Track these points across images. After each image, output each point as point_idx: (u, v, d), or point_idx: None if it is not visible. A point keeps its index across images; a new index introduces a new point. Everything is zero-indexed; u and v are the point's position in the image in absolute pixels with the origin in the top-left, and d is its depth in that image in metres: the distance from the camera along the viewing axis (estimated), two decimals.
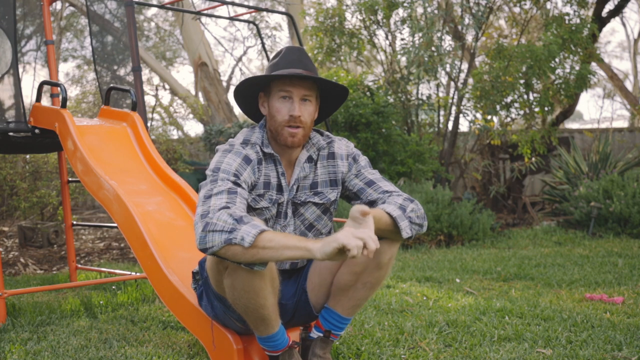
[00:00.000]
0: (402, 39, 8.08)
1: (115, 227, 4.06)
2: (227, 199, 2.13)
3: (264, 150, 2.36)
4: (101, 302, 3.79)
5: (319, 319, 2.46)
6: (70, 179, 4.39)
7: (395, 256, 2.35)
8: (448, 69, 8.07)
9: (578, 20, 7.62)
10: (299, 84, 2.30)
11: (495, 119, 7.83)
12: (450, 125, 8.29)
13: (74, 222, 4.46)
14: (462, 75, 8.25)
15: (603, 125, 13.88)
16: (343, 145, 2.48)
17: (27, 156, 7.10)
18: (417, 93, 8.08)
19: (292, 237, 2.04)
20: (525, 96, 7.66)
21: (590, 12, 8.69)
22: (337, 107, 2.49)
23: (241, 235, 2.00)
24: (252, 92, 2.43)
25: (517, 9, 8.74)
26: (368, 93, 7.52)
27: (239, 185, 2.22)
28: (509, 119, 8.14)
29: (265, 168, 2.37)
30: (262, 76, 2.33)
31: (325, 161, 2.45)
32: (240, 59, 19.15)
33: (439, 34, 7.76)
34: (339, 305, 2.40)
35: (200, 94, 13.20)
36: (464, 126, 11.07)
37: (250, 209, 2.35)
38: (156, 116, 11.48)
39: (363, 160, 2.47)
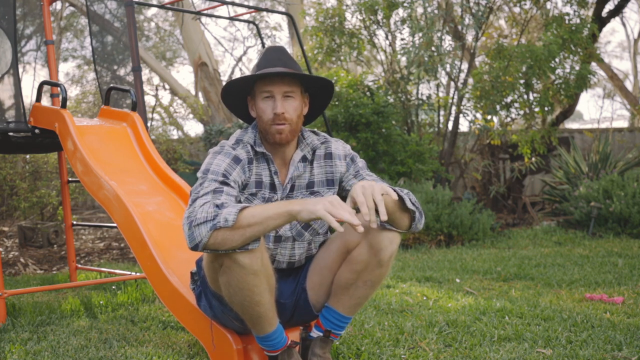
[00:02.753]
0: (402, 39, 8.08)
1: (115, 227, 4.07)
2: (212, 198, 2.15)
3: (255, 149, 2.38)
4: (101, 302, 3.79)
5: (319, 318, 2.46)
6: (70, 179, 4.39)
7: (396, 254, 2.35)
8: (448, 69, 8.07)
9: (578, 20, 7.62)
10: (279, 81, 2.31)
11: (495, 119, 7.82)
12: (450, 125, 8.29)
13: (74, 222, 4.46)
14: (462, 75, 8.25)
15: (603, 125, 13.88)
16: (340, 146, 2.49)
17: (27, 156, 7.11)
18: (417, 93, 8.08)
19: (272, 207, 2.09)
20: (525, 96, 7.66)
21: (590, 12, 8.69)
22: (327, 101, 2.51)
23: (224, 217, 2.04)
24: (240, 97, 2.45)
25: (517, 9, 8.74)
26: (368, 93, 7.52)
27: (227, 184, 2.24)
28: (509, 119, 8.14)
29: (257, 167, 2.38)
30: (239, 79, 2.36)
31: (323, 161, 2.46)
32: (240, 59, 19.15)
33: (439, 34, 7.75)
34: (340, 304, 2.40)
35: (200, 94, 13.19)
36: (464, 126, 11.09)
37: None
38: (156, 116, 11.50)
39: (361, 162, 2.50)
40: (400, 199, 2.21)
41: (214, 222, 2.05)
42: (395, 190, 2.22)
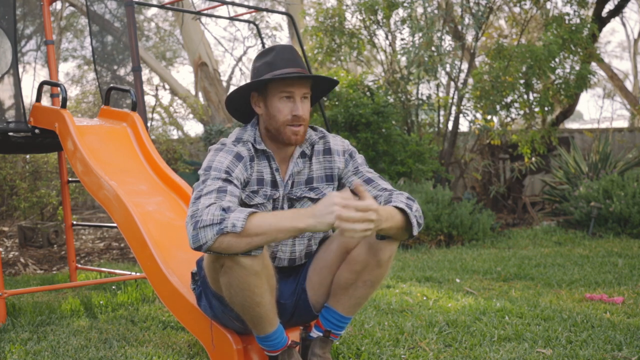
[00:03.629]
0: (402, 39, 8.09)
1: (115, 227, 4.07)
2: (216, 198, 2.14)
3: (256, 147, 2.37)
4: (101, 302, 3.79)
5: (319, 319, 2.46)
6: (70, 179, 4.39)
7: (395, 254, 2.35)
8: (448, 69, 8.07)
9: (578, 20, 7.62)
10: (299, 83, 2.31)
11: (495, 119, 7.83)
12: (450, 125, 8.29)
13: (74, 222, 4.46)
14: (462, 75, 8.25)
15: (603, 125, 13.89)
16: (339, 141, 2.49)
17: (27, 156, 7.11)
18: (417, 93, 8.08)
19: (283, 219, 2.05)
20: (525, 96, 7.66)
21: (590, 12, 8.69)
22: (322, 95, 2.51)
23: (231, 222, 2.02)
24: (244, 93, 2.42)
25: (517, 9, 8.74)
26: (368, 93, 7.52)
27: (230, 182, 2.23)
28: (509, 119, 8.14)
29: (258, 165, 2.38)
30: (266, 79, 2.30)
31: (322, 157, 2.46)
32: (240, 59, 19.15)
33: (439, 34, 7.76)
34: (339, 304, 2.40)
35: (200, 94, 13.20)
36: (464, 126, 11.09)
37: (246, 206, 2.35)
38: (156, 116, 11.50)
39: (360, 158, 2.49)
40: (409, 223, 2.20)
41: (221, 226, 2.03)
42: (407, 214, 2.20)
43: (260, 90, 2.37)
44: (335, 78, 2.43)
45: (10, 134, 3.77)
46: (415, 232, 2.23)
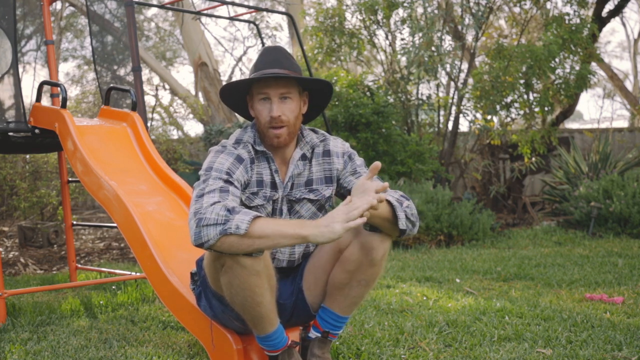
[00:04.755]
0: (402, 39, 8.09)
1: (115, 227, 4.07)
2: (219, 197, 2.15)
3: (256, 148, 2.38)
4: (101, 302, 3.79)
5: (316, 319, 2.46)
6: (70, 179, 4.39)
7: (388, 253, 2.35)
8: (448, 69, 8.07)
9: (578, 20, 7.62)
10: (274, 83, 2.30)
11: (495, 119, 7.83)
12: (450, 125, 8.29)
13: (74, 222, 4.46)
14: (462, 75, 8.25)
15: (603, 125, 13.90)
16: (339, 144, 2.49)
17: (27, 156, 7.11)
18: (417, 93, 8.08)
19: (286, 225, 2.07)
20: (525, 96, 7.66)
21: (590, 12, 8.69)
22: (326, 101, 2.50)
23: (235, 224, 2.02)
24: (240, 96, 2.44)
25: (517, 9, 8.74)
26: (368, 93, 7.52)
27: (231, 183, 2.23)
28: (509, 119, 8.15)
29: (258, 166, 2.38)
30: (235, 83, 2.35)
31: (321, 159, 2.46)
32: (240, 59, 19.14)
33: (439, 34, 7.76)
34: (336, 304, 2.40)
35: (200, 94, 13.19)
36: (464, 126, 11.08)
37: (246, 208, 2.35)
38: (156, 116, 11.50)
39: (359, 160, 2.49)
40: (395, 216, 2.20)
41: (225, 227, 2.03)
42: (393, 206, 2.20)
43: (249, 94, 2.40)
44: (318, 78, 2.40)
45: (10, 134, 3.77)
46: (403, 225, 2.19)
